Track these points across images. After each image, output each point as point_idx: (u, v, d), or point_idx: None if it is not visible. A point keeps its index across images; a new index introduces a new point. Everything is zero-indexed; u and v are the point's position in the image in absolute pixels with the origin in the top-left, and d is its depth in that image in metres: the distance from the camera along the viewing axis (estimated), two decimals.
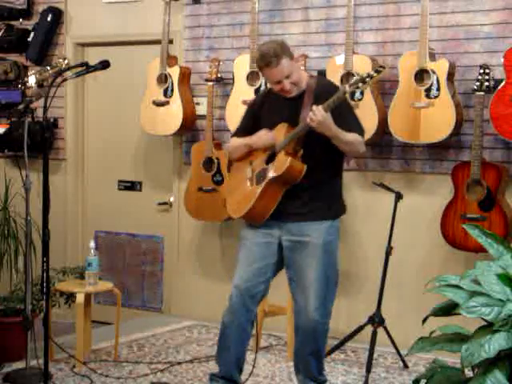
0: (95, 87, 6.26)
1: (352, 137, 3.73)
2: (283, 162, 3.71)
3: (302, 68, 5.05)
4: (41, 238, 3.77)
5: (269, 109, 3.90)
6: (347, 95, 3.65)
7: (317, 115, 3.56)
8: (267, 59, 3.69)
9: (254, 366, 4.24)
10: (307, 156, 3.73)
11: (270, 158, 3.81)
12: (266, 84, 4.96)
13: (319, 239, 3.76)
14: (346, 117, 3.70)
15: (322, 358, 3.90)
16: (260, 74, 5.07)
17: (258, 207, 3.77)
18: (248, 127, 3.97)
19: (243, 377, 4.06)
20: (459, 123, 4.69)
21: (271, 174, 3.75)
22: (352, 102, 4.78)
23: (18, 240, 5.78)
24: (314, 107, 3.58)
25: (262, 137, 3.85)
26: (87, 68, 3.90)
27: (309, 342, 3.81)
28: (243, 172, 3.94)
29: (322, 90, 3.77)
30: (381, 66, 3.60)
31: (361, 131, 3.80)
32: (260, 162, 3.86)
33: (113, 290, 4.84)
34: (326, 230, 3.80)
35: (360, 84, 3.58)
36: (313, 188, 3.76)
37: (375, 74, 3.57)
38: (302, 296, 3.77)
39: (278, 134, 3.81)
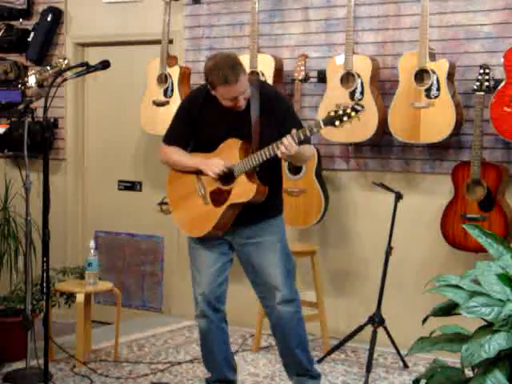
0: (95, 87, 6.27)
1: (309, 153, 3.75)
2: (249, 189, 3.63)
3: (302, 68, 5.06)
4: (41, 238, 3.77)
5: (210, 115, 3.71)
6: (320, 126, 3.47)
7: (290, 151, 3.46)
8: (226, 76, 3.48)
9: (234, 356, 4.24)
10: (260, 171, 3.67)
11: (226, 177, 3.69)
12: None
13: (273, 236, 3.77)
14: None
15: (307, 348, 3.91)
16: (260, 73, 5.08)
17: (217, 227, 3.72)
18: (184, 134, 3.81)
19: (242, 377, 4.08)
20: (459, 123, 4.69)
21: (236, 199, 3.65)
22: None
23: (18, 240, 5.78)
24: (285, 141, 3.46)
25: (214, 168, 3.67)
26: (87, 68, 3.89)
27: (291, 336, 3.83)
28: (191, 185, 3.79)
29: (266, 98, 3.68)
30: (358, 104, 3.44)
31: (310, 139, 3.75)
32: (213, 179, 3.73)
33: (113, 289, 4.84)
34: (277, 226, 3.82)
35: (337, 122, 3.43)
36: None
37: (353, 114, 3.41)
38: (272, 295, 3.77)
39: (229, 151, 3.68)
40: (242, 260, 3.85)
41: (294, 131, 3.49)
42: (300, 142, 3.52)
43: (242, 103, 3.62)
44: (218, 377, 3.93)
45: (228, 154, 3.68)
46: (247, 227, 3.75)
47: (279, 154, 3.51)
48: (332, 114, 3.45)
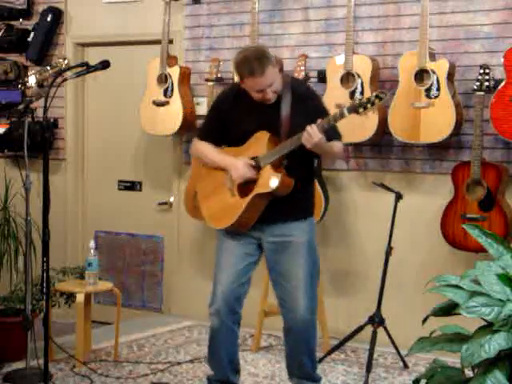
0: (95, 87, 6.26)
1: (337, 148, 3.74)
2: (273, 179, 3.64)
3: (302, 68, 5.06)
4: (41, 238, 3.77)
5: (241, 111, 3.75)
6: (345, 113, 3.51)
7: (313, 138, 3.49)
8: (252, 68, 3.53)
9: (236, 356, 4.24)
10: (288, 165, 3.69)
11: (255, 169, 3.71)
12: None
13: (302, 238, 3.76)
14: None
15: (315, 354, 3.91)
16: None
17: (242, 219, 3.71)
18: (216, 130, 3.84)
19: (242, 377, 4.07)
20: (459, 123, 4.69)
21: (260, 189, 3.67)
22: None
23: (18, 240, 5.78)
24: (309, 128, 3.49)
25: (240, 170, 3.70)
26: (87, 68, 3.90)
27: (302, 342, 3.81)
28: (219, 178, 3.81)
29: (297, 94, 3.71)
30: (382, 92, 3.50)
31: (340, 136, 3.77)
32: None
33: (113, 289, 4.84)
34: (307, 227, 3.81)
35: (361, 110, 3.47)
36: (293, 192, 3.71)
37: (377, 101, 3.46)
38: (291, 296, 3.75)
39: (258, 143, 3.71)
40: (268, 258, 3.84)
41: (318, 120, 3.52)
42: (327, 135, 3.54)
43: (271, 96, 3.65)
44: (220, 377, 3.91)
45: (257, 147, 3.72)
46: (277, 225, 3.74)
47: (304, 142, 3.52)
48: (356, 102, 3.50)
